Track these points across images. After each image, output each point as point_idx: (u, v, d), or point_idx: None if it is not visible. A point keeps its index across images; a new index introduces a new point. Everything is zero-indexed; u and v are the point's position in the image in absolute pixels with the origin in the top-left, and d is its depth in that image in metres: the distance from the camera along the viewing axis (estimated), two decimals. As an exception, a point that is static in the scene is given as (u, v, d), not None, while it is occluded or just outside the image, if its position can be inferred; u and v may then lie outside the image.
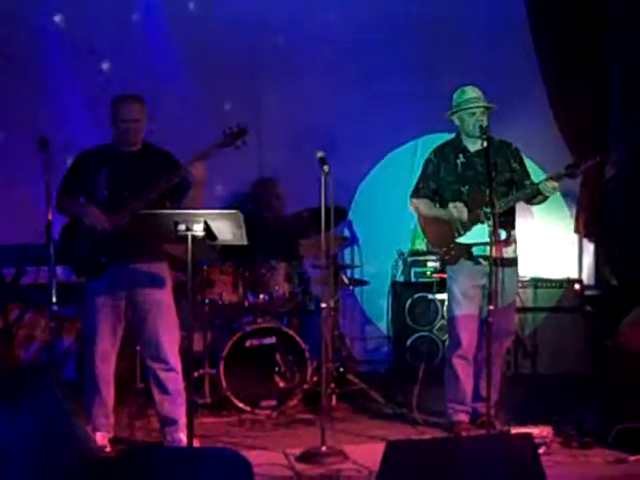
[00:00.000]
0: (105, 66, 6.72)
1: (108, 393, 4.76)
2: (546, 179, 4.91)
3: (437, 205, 5.20)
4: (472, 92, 5.07)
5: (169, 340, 4.72)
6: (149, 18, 6.72)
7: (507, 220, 4.99)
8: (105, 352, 4.72)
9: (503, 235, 4.93)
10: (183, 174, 4.61)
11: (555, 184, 4.86)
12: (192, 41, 6.75)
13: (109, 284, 4.67)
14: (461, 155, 5.12)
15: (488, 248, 4.75)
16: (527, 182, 5.06)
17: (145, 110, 4.73)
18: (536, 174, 5.54)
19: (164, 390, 4.73)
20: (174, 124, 6.22)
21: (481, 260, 5.00)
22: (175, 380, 4.72)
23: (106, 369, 4.74)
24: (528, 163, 5.30)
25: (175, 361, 4.73)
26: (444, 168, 5.14)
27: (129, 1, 6.68)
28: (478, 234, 5.00)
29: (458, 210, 5.03)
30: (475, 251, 5.03)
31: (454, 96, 5.13)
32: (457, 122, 5.13)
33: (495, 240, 4.64)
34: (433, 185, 5.19)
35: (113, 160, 4.71)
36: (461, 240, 5.07)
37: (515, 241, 5.12)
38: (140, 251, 4.67)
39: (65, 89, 6.59)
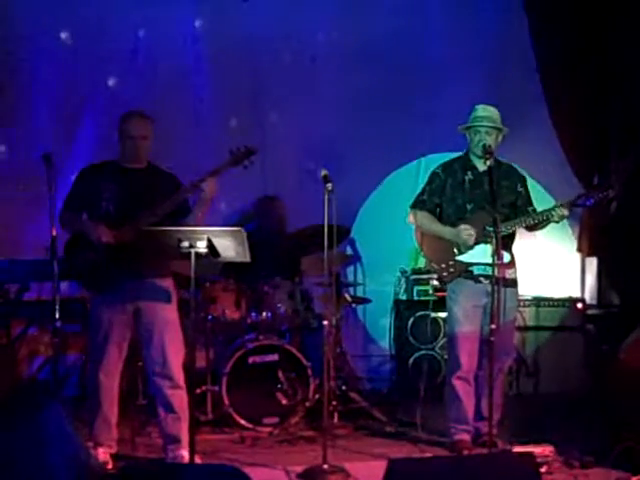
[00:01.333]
0: (111, 82, 6.76)
1: (111, 408, 4.75)
2: (560, 205, 4.89)
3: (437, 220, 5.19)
4: (482, 111, 5.06)
5: (176, 357, 4.71)
6: (155, 36, 6.76)
7: (507, 242, 4.98)
8: (110, 367, 4.70)
9: (507, 258, 4.93)
10: (187, 193, 4.63)
11: (566, 212, 4.87)
12: (198, 59, 6.79)
13: (116, 299, 4.66)
14: (469, 172, 5.11)
15: (489, 267, 4.76)
16: (530, 209, 5.08)
17: (152, 127, 4.74)
18: (539, 196, 5.54)
19: (169, 408, 4.71)
20: (179, 141, 6.24)
21: (482, 279, 5.00)
22: (180, 398, 4.70)
23: (110, 384, 4.72)
24: (532, 184, 5.30)
25: (181, 378, 4.71)
26: (450, 184, 5.12)
27: (135, 18, 6.71)
28: (478, 253, 5.01)
29: (468, 233, 5.00)
30: (476, 270, 5.02)
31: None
32: (468, 138, 5.14)
33: (499, 261, 4.63)
34: (436, 200, 5.16)
35: (119, 176, 4.71)
36: (461, 258, 5.07)
37: (514, 263, 5.10)
38: (146, 267, 4.66)
39: (70, 105, 6.63)
